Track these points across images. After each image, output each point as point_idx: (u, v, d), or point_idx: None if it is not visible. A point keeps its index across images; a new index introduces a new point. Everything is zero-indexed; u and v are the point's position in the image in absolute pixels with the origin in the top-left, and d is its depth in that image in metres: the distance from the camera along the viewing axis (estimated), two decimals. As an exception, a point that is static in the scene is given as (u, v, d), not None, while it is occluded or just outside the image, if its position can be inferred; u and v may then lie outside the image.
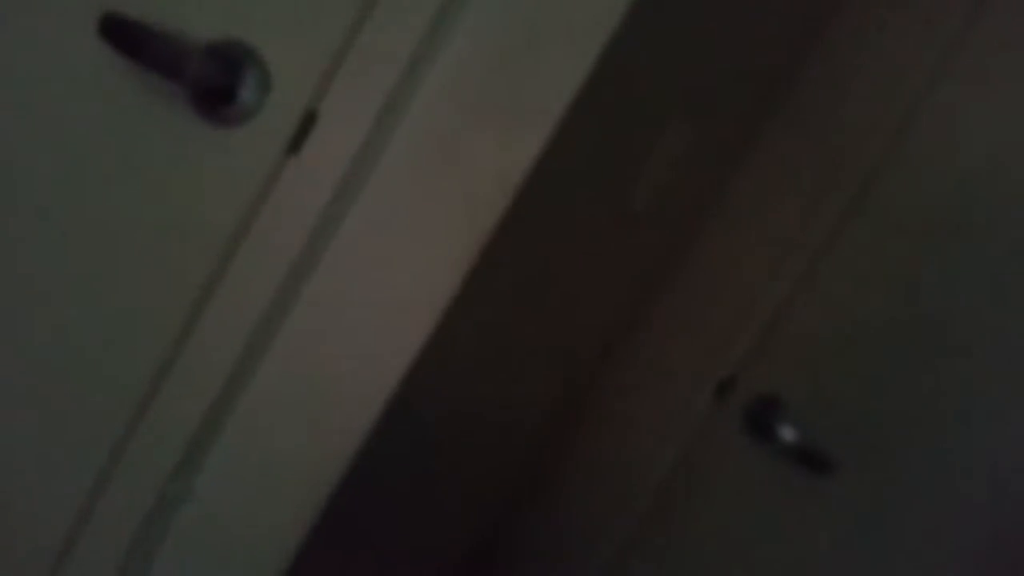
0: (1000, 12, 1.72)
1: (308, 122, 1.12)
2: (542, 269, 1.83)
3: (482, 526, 2.06)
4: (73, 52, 1.09)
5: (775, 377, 1.79)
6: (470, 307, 1.51)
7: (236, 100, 1.09)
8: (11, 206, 1.12)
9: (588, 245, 1.89)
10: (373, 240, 1.17)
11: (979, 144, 1.72)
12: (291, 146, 1.12)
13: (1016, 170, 1.69)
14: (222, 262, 1.14)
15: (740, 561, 1.78)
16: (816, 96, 1.93)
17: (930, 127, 1.75)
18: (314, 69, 1.12)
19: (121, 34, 1.07)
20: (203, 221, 1.13)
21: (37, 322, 1.16)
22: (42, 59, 1.09)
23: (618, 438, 1.98)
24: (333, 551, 1.70)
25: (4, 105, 1.10)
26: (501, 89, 1.18)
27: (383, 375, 1.22)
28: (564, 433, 2.05)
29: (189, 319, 1.16)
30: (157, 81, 1.08)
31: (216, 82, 1.08)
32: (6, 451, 1.21)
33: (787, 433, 1.71)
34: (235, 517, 1.24)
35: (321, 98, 1.12)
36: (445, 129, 1.17)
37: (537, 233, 1.76)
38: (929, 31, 1.78)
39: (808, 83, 1.94)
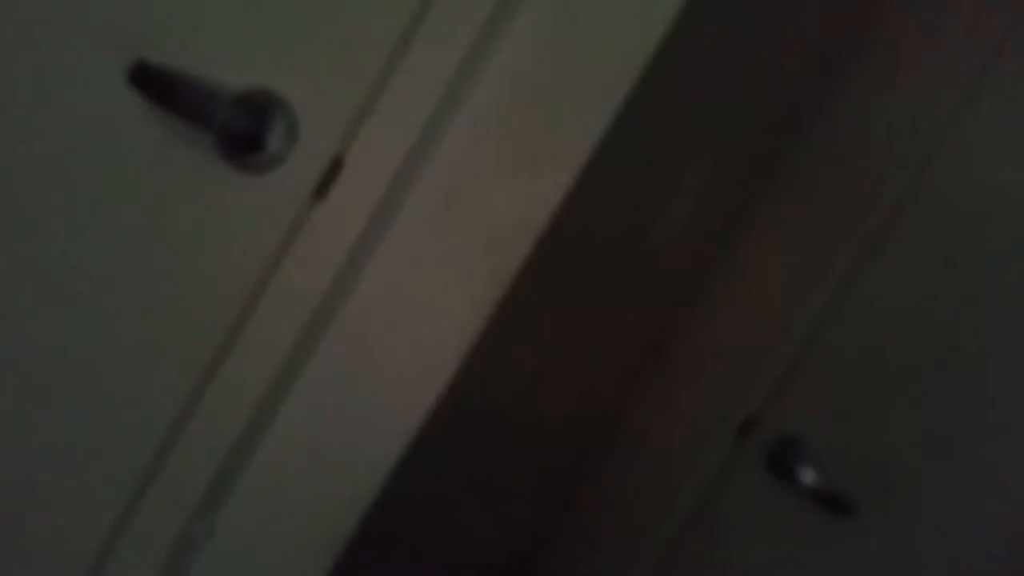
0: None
1: (335, 169, 1.13)
2: (564, 306, 1.83)
3: (503, 561, 2.06)
4: (103, 100, 1.10)
5: (797, 418, 1.79)
6: (494, 346, 1.52)
7: (264, 147, 1.10)
8: (43, 250, 1.13)
9: (610, 281, 1.89)
10: (398, 284, 1.18)
11: (1003, 179, 1.71)
12: (317, 192, 1.14)
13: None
14: (248, 306, 1.15)
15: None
16: (839, 130, 1.93)
17: (953, 162, 1.75)
18: (341, 117, 1.13)
19: (151, 82, 1.08)
20: (230, 266, 1.14)
21: (63, 362, 1.17)
22: (73, 107, 1.10)
23: (640, 475, 1.98)
24: (366, 565, 1.71)
25: (35, 151, 1.11)
26: (525, 135, 1.19)
27: (406, 418, 1.23)
28: (587, 470, 2.04)
29: (214, 362, 1.17)
30: (186, 129, 1.10)
31: (244, 130, 1.09)
32: (29, 488, 1.22)
33: (807, 475, 1.70)
34: (257, 557, 1.25)
35: (348, 145, 1.14)
36: (470, 174, 1.18)
37: (560, 270, 1.77)
38: (953, 64, 1.77)
39: (831, 117, 1.94)
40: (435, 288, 1.21)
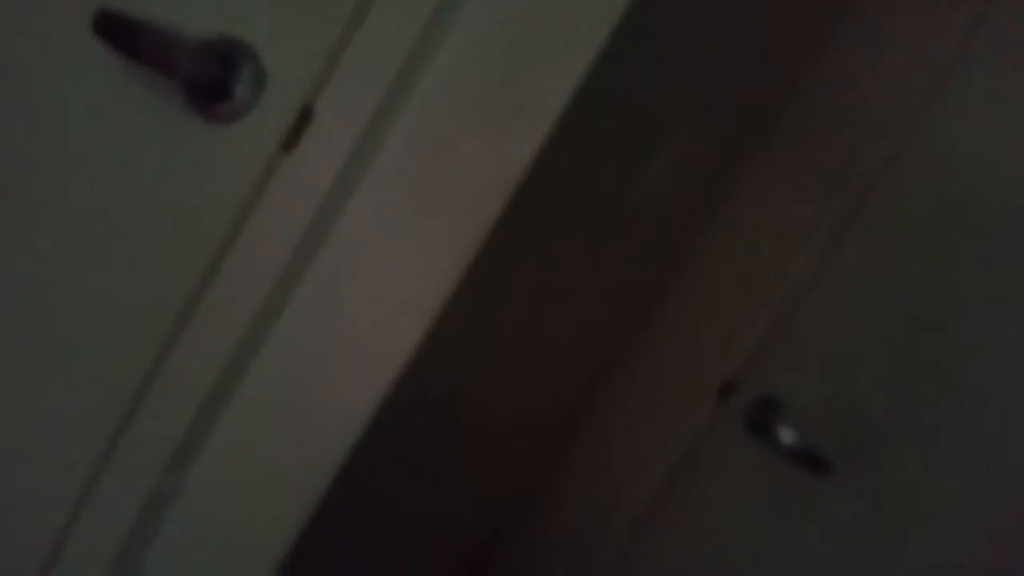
0: (1004, 20, 1.71)
1: (304, 118, 1.12)
2: (540, 269, 1.82)
3: (486, 517, 2.06)
4: (67, 49, 1.08)
5: (776, 379, 1.79)
6: (468, 307, 1.51)
7: (231, 96, 1.09)
8: (4, 203, 1.12)
9: (588, 246, 1.88)
10: (369, 237, 1.17)
11: (982, 150, 1.71)
12: (286, 142, 1.12)
13: (1019, 175, 1.68)
14: (217, 258, 1.14)
15: (739, 559, 1.78)
16: (820, 100, 1.92)
17: (933, 132, 1.75)
18: (310, 65, 1.11)
19: (115, 31, 1.06)
20: (198, 217, 1.13)
21: (29, 317, 1.16)
22: (36, 56, 1.08)
23: (622, 438, 1.98)
24: (326, 553, 1.70)
25: (-1, 101, 1.09)
26: (499, 87, 1.17)
27: (378, 373, 1.21)
28: (567, 433, 2.04)
29: (183, 316, 1.16)
30: (152, 78, 1.08)
31: (211, 78, 1.08)
32: None
33: (786, 435, 1.71)
34: (228, 512, 1.24)
35: (317, 94, 1.12)
36: (442, 127, 1.16)
37: (536, 233, 1.76)
38: (934, 38, 1.77)
39: (813, 87, 1.93)
40: (407, 244, 1.19)
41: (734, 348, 1.85)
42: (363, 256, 1.18)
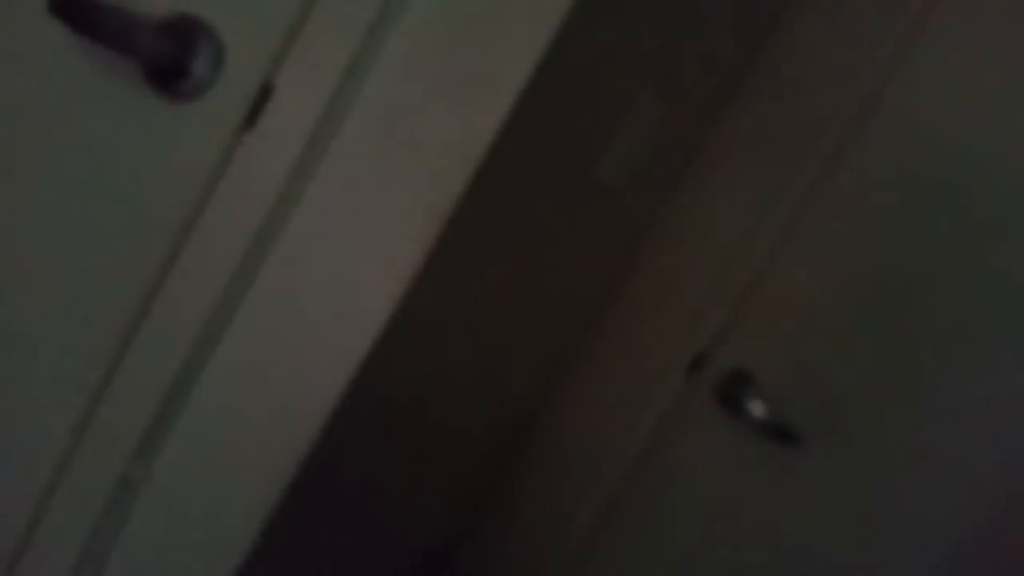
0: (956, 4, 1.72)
1: (264, 96, 1.11)
2: (509, 243, 1.82)
3: (459, 496, 2.06)
4: (24, 30, 1.07)
5: (746, 352, 1.80)
6: (434, 284, 1.50)
7: (190, 74, 1.08)
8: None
9: (556, 218, 1.88)
10: (332, 215, 1.16)
11: (943, 121, 1.72)
12: (247, 120, 1.11)
13: (986, 142, 1.69)
14: (179, 238, 1.13)
15: (713, 531, 1.79)
16: (785, 70, 1.93)
17: (900, 99, 1.75)
18: (269, 42, 1.10)
19: (72, 10, 1.05)
20: (160, 196, 1.12)
21: (-6, 302, 1.15)
22: (-9, 35, 1.07)
23: (592, 413, 1.98)
24: (292, 547, 1.70)
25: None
26: (460, 60, 1.17)
27: (345, 354, 1.21)
28: (538, 407, 2.04)
29: (146, 298, 1.15)
30: (110, 57, 1.07)
31: (169, 56, 1.07)
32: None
33: (756, 408, 1.72)
34: (196, 500, 1.24)
35: (277, 71, 1.11)
36: (404, 101, 1.16)
37: (503, 206, 1.76)
38: (895, 7, 1.78)
39: (779, 53, 1.94)
40: (372, 220, 1.19)
41: (702, 322, 1.86)
42: (327, 233, 1.17)
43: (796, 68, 1.90)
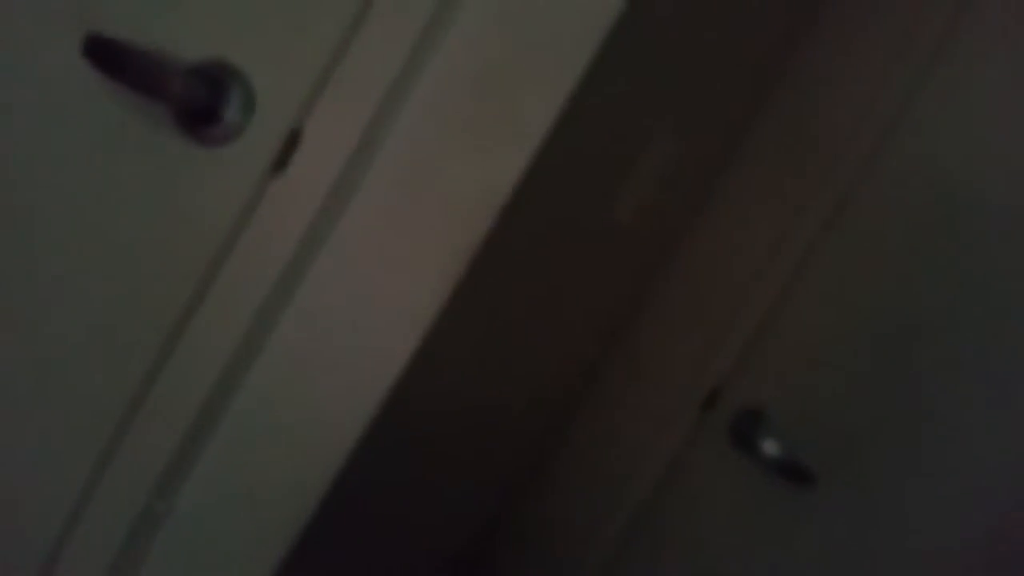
0: (978, 25, 1.73)
1: (293, 141, 1.12)
2: (525, 283, 1.83)
3: (471, 533, 2.07)
4: (58, 73, 1.09)
5: (759, 390, 1.80)
6: (458, 322, 1.52)
7: (221, 120, 1.09)
8: (-5, 226, 1.12)
9: (573, 255, 1.89)
10: (358, 258, 1.18)
11: (959, 157, 1.73)
12: (276, 165, 1.13)
13: (995, 181, 1.70)
14: (206, 280, 1.14)
15: (724, 570, 1.79)
16: (797, 109, 1.94)
17: (910, 138, 1.76)
18: (299, 88, 1.12)
19: (105, 54, 1.07)
20: (188, 239, 1.13)
21: (20, 339, 1.16)
22: (27, 80, 1.09)
23: (606, 449, 1.99)
24: (324, 550, 1.70)
25: (-11, 124, 1.10)
26: (486, 107, 1.18)
27: (368, 393, 1.22)
28: (552, 444, 2.05)
29: (173, 337, 1.16)
30: (142, 101, 1.08)
31: (201, 102, 1.08)
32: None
33: (769, 446, 1.72)
34: (217, 535, 1.25)
35: (306, 117, 1.13)
36: (430, 147, 1.17)
37: (523, 245, 1.77)
38: (909, 43, 1.79)
39: (790, 94, 1.95)
40: (396, 263, 1.20)
41: (716, 360, 1.86)
42: (352, 277, 1.18)
43: (809, 107, 1.92)
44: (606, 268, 1.94)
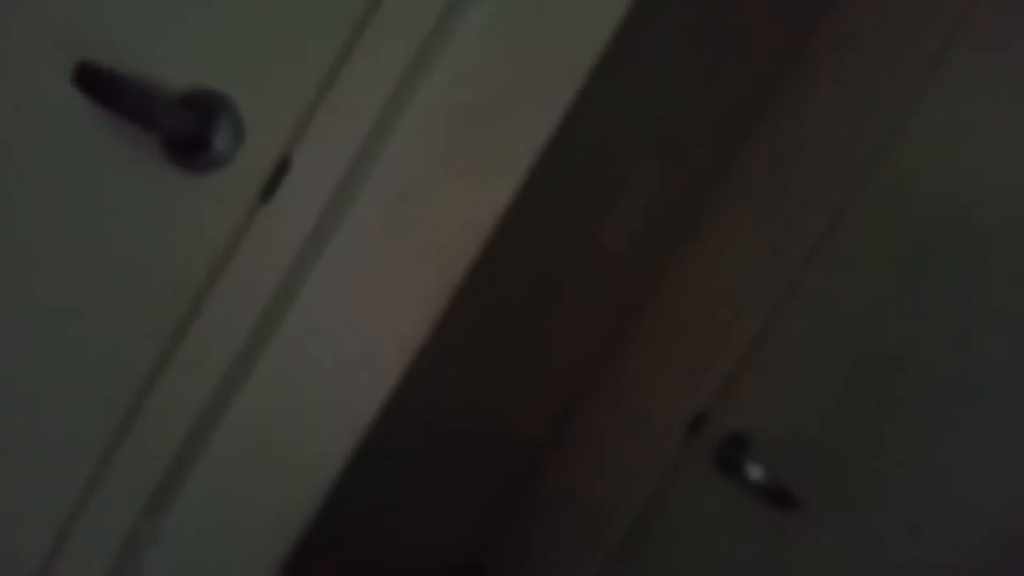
0: (971, 42, 1.74)
1: (281, 170, 1.13)
2: (514, 309, 1.84)
3: (453, 560, 2.07)
4: (47, 101, 1.09)
5: (744, 415, 1.81)
6: (442, 346, 1.52)
7: (209, 148, 1.10)
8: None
9: (559, 282, 1.90)
10: (345, 287, 1.18)
11: (945, 180, 1.74)
12: (264, 193, 1.14)
13: (986, 207, 1.71)
14: (194, 308, 1.15)
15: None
16: (785, 131, 1.95)
17: (895, 165, 1.77)
18: (288, 117, 1.13)
19: (95, 83, 1.08)
20: (176, 267, 1.14)
21: (9, 363, 1.17)
22: (15, 107, 1.09)
23: (591, 474, 1.99)
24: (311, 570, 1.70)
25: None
26: (472, 137, 1.20)
27: (354, 420, 1.23)
28: (537, 469, 2.05)
29: (162, 362, 1.17)
30: (131, 130, 1.09)
31: (189, 130, 1.09)
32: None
33: (755, 471, 1.72)
34: (203, 558, 1.25)
35: (294, 146, 1.14)
36: (417, 176, 1.18)
37: (510, 271, 1.78)
38: (899, 64, 1.80)
39: (777, 119, 1.96)
40: (383, 291, 1.21)
41: (702, 385, 1.87)
42: (339, 305, 1.19)
43: (797, 131, 1.93)
44: (593, 294, 1.95)
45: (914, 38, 1.78)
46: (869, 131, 1.80)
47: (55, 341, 1.16)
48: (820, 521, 1.70)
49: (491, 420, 1.93)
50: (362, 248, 1.17)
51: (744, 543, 1.77)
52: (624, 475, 1.91)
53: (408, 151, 1.16)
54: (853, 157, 1.81)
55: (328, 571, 1.81)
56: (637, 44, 1.75)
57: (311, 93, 1.13)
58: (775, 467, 1.73)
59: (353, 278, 1.18)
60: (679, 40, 1.85)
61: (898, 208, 1.77)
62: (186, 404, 1.19)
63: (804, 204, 1.85)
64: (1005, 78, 1.72)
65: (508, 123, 1.19)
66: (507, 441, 1.99)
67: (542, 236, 1.81)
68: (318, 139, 1.14)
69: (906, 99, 1.78)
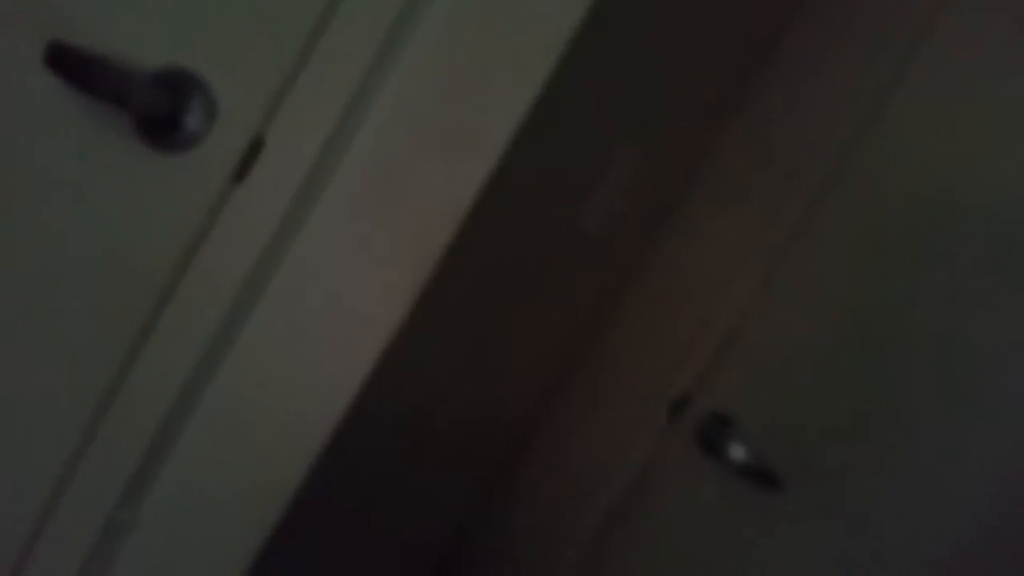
0: (949, 29, 1.74)
1: (255, 149, 1.13)
2: (494, 292, 1.84)
3: (438, 543, 2.07)
4: (19, 81, 1.09)
5: (727, 396, 1.81)
6: (422, 330, 1.52)
7: (182, 127, 1.09)
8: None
9: (539, 263, 1.90)
10: (321, 266, 1.18)
11: (928, 161, 1.74)
12: (238, 173, 1.13)
13: (967, 190, 1.71)
14: (168, 289, 1.15)
15: (694, 574, 1.80)
16: (765, 116, 1.95)
17: (879, 146, 1.78)
18: (261, 96, 1.12)
19: (67, 62, 1.07)
20: (149, 247, 1.13)
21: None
22: (-14, 88, 1.09)
23: (574, 456, 1.99)
24: (296, 560, 1.70)
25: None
26: (448, 115, 1.19)
27: (331, 401, 1.22)
28: (520, 452, 2.05)
29: (134, 347, 1.16)
30: (103, 109, 1.08)
31: (162, 110, 1.08)
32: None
33: (737, 451, 1.72)
34: (181, 544, 1.25)
35: (268, 125, 1.13)
36: (392, 155, 1.18)
37: (490, 254, 1.78)
38: (878, 49, 1.80)
39: (758, 103, 1.96)
40: (359, 271, 1.21)
41: (684, 366, 1.87)
42: (315, 286, 1.19)
43: (777, 115, 1.93)
44: (573, 277, 1.95)
45: (893, 24, 1.79)
46: (849, 115, 1.80)
47: (26, 325, 1.15)
48: (802, 501, 1.70)
49: (471, 404, 1.92)
50: (338, 228, 1.17)
51: (727, 523, 1.78)
52: (607, 456, 1.91)
53: (383, 129, 1.16)
54: (834, 139, 1.81)
55: (311, 559, 1.80)
56: (616, 27, 1.75)
57: (284, 71, 1.12)
58: (758, 447, 1.73)
59: (329, 258, 1.17)
60: (659, 22, 1.85)
61: (879, 190, 1.77)
62: (161, 389, 1.18)
63: (785, 186, 1.86)
64: (981, 65, 1.73)
65: (484, 99, 1.19)
66: (487, 425, 1.99)
67: (522, 219, 1.80)
68: (292, 118, 1.13)
69: (887, 83, 1.78)
